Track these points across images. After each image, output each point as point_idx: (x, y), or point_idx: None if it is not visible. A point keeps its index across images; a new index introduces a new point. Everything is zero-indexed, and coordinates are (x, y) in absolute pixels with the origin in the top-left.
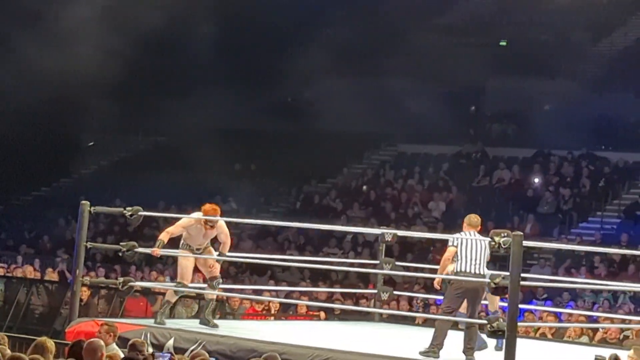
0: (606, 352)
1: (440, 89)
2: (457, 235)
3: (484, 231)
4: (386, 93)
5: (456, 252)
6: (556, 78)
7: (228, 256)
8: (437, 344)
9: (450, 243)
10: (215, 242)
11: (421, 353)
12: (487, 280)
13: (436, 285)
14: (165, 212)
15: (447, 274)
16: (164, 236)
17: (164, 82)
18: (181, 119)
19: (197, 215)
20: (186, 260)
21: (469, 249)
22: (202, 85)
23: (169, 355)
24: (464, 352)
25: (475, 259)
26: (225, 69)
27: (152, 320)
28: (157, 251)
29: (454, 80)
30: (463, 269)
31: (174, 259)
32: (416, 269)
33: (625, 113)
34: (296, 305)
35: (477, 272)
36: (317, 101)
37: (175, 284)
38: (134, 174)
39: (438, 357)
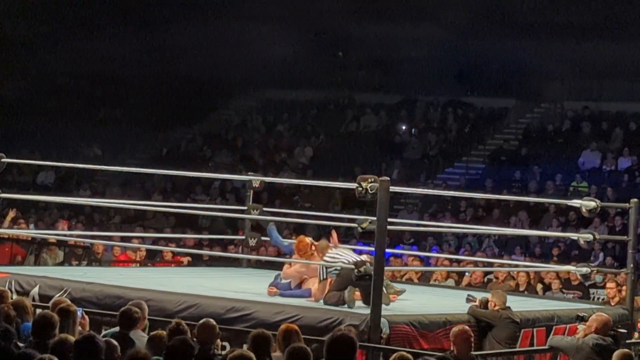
0: (474, 294)
1: (307, 35)
2: None
3: (351, 177)
4: (252, 38)
5: None
6: (422, 24)
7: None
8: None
9: None
10: None
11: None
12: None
13: None
14: (29, 159)
15: None
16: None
17: (27, 26)
18: (44, 63)
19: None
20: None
21: None
22: (65, 29)
23: (81, 309)
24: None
25: None
26: (88, 14)
27: (18, 268)
28: None
29: (321, 26)
30: None
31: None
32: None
33: (490, 59)
34: (163, 251)
35: None
36: (182, 46)
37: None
38: None
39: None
